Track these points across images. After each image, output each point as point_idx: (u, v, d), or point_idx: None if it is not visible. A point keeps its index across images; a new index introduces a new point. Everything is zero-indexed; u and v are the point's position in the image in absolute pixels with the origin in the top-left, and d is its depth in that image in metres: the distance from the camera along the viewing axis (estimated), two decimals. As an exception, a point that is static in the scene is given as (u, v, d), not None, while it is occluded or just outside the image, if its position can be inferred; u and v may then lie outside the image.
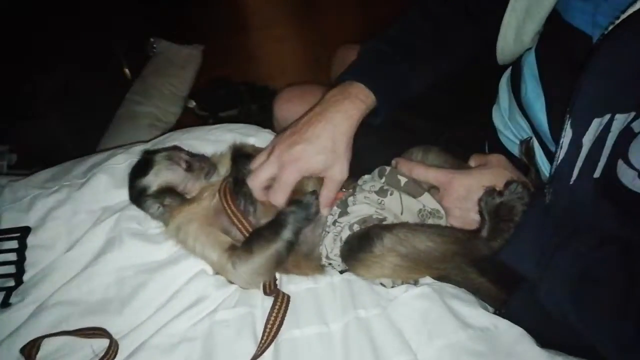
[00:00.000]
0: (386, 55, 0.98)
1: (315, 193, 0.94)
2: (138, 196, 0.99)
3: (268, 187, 0.93)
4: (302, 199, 0.93)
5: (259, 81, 2.66)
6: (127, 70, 2.50)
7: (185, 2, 3.33)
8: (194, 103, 2.52)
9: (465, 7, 1.01)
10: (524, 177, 0.89)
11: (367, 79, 0.93)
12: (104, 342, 0.84)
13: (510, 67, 0.99)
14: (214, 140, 1.16)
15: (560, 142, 0.71)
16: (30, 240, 1.00)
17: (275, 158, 0.90)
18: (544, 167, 0.90)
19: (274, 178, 0.91)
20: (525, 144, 0.92)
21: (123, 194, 1.04)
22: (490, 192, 0.86)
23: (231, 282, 0.93)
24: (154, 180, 0.96)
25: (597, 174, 0.70)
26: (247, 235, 0.92)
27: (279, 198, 0.92)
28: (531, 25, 0.87)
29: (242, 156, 1.04)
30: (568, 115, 0.69)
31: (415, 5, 1.06)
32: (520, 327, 0.85)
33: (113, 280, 0.93)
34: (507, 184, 0.85)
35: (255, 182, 0.93)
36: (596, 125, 0.66)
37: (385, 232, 0.85)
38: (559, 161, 0.73)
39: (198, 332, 0.86)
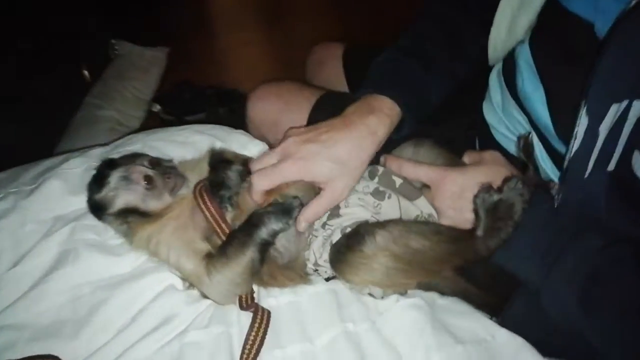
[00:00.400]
0: (404, 65, 0.92)
1: (299, 200, 0.85)
2: (97, 212, 0.89)
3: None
4: (283, 201, 0.84)
5: (227, 85, 2.57)
6: (86, 72, 2.36)
7: (148, 3, 3.20)
8: (158, 107, 2.40)
9: (464, 5, 0.97)
10: (521, 174, 0.84)
11: (389, 90, 0.87)
12: (57, 372, 0.73)
13: (502, 61, 0.95)
14: (182, 142, 1.06)
15: (575, 132, 0.66)
16: (-31, 255, 0.87)
17: (283, 148, 0.83)
18: (545, 164, 0.85)
19: None
20: (524, 140, 0.86)
21: (78, 202, 0.93)
22: (487, 188, 0.80)
23: (205, 297, 0.84)
24: (111, 200, 0.87)
25: (611, 167, 0.65)
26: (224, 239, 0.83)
27: (261, 182, 0.83)
28: (526, 16, 0.83)
29: (222, 161, 0.94)
30: (584, 101, 0.63)
31: (422, 12, 1.01)
32: (519, 335, 0.79)
33: (67, 299, 0.81)
34: (506, 180, 0.79)
35: (256, 165, 0.85)
36: (614, 111, 0.61)
37: (377, 230, 0.77)
38: (572, 153, 0.68)
39: (166, 356, 0.76)
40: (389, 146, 0.92)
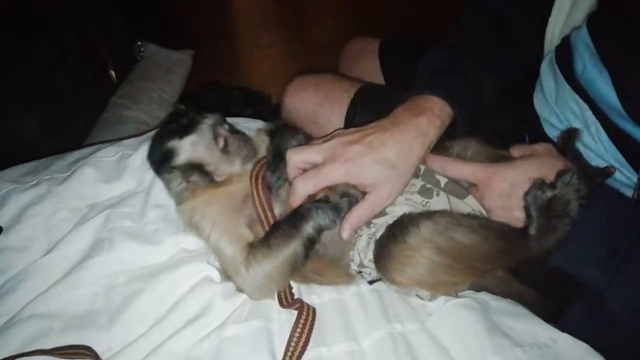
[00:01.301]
0: (455, 63, 0.88)
1: (349, 199, 0.80)
2: (161, 161, 0.85)
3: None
4: (331, 198, 0.80)
5: (251, 86, 2.55)
6: (112, 73, 2.36)
7: (173, 7, 3.23)
8: (183, 108, 2.38)
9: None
10: (577, 167, 0.78)
11: (441, 90, 0.82)
12: (89, 363, 0.69)
13: (554, 50, 0.90)
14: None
15: None
16: (2, 241, 0.84)
17: (328, 147, 0.78)
18: (606, 151, 0.79)
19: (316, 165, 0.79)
20: (568, 133, 0.81)
21: (113, 190, 0.91)
22: (540, 184, 0.74)
23: (239, 290, 0.80)
24: (186, 150, 0.83)
25: None
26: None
27: (305, 187, 0.78)
28: (587, 1, 0.78)
29: (285, 129, 0.91)
30: None
31: (470, 6, 0.97)
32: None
33: (101, 288, 0.78)
34: (559, 174, 0.73)
35: (295, 156, 0.80)
36: None
37: (422, 220, 0.72)
38: None
39: (204, 350, 0.72)
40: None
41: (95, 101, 2.32)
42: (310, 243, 0.79)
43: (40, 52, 2.00)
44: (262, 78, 2.68)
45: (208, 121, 0.87)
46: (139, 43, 2.64)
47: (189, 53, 2.70)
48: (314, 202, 0.79)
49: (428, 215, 0.75)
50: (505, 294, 0.85)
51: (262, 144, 0.90)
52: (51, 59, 2.03)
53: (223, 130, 0.87)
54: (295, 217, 0.78)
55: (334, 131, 0.84)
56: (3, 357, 0.69)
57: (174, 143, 0.84)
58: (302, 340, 0.70)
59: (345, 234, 0.79)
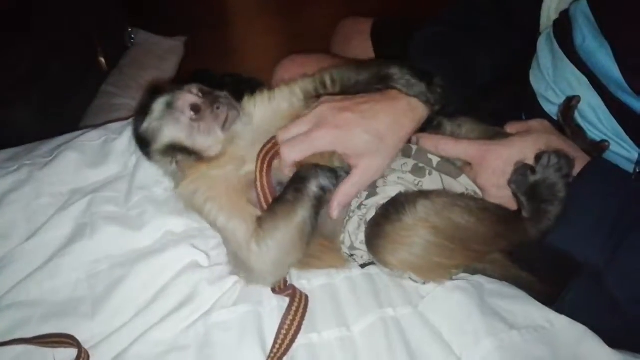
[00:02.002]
0: (450, 38, 0.85)
1: (345, 169, 0.77)
2: (144, 148, 0.80)
3: None
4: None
5: (244, 73, 2.51)
6: (102, 60, 2.32)
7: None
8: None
9: None
10: (568, 142, 0.76)
11: (434, 63, 0.79)
12: (71, 353, 0.67)
13: (551, 25, 0.87)
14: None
15: None
16: (-19, 228, 0.82)
17: (315, 115, 0.75)
18: (605, 124, 0.77)
19: None
20: (567, 101, 0.78)
21: (96, 174, 0.88)
22: (521, 169, 0.72)
23: (253, 270, 0.75)
24: (155, 132, 0.77)
25: None
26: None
27: (291, 153, 0.74)
28: None
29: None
30: None
31: None
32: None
33: (83, 275, 0.76)
34: (537, 157, 0.71)
35: (285, 134, 0.76)
36: None
37: (419, 199, 0.70)
38: None
39: (191, 338, 0.69)
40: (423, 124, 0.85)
41: (86, 89, 2.28)
42: (318, 203, 0.75)
43: (32, 40, 1.96)
44: (255, 65, 2.63)
45: (161, 97, 0.78)
46: (130, 30, 2.60)
47: (180, 40, 2.66)
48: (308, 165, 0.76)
49: (425, 194, 0.73)
50: (502, 277, 0.83)
51: (252, 105, 0.83)
52: (42, 47, 2.00)
53: (187, 97, 0.77)
54: (297, 181, 0.75)
55: (320, 98, 0.80)
56: (-19, 346, 0.67)
57: (142, 128, 0.78)
58: (294, 328, 0.68)
59: (335, 213, 0.76)
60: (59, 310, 0.72)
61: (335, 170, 0.76)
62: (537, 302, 0.75)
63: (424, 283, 0.78)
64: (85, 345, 0.68)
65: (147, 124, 0.77)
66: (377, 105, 0.75)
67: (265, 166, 0.76)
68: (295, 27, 2.95)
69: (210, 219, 0.77)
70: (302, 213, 0.74)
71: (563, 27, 0.82)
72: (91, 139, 0.94)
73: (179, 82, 2.50)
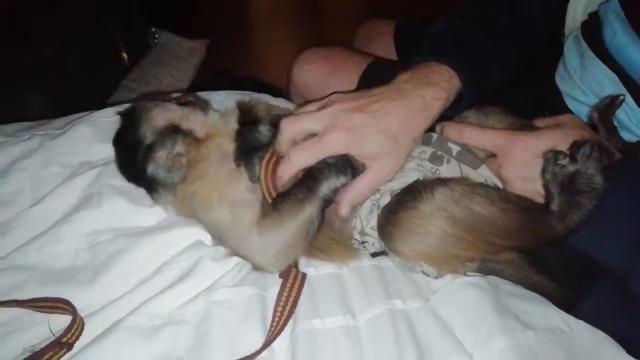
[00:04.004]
0: (466, 33, 0.82)
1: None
2: (133, 153, 0.78)
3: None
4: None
5: (264, 78, 2.53)
6: (124, 55, 2.35)
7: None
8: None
9: None
10: (603, 140, 0.73)
11: (450, 60, 0.76)
12: (65, 320, 0.64)
13: (579, 27, 0.85)
14: (218, 100, 0.99)
15: None
16: (-14, 193, 0.80)
17: (328, 115, 0.72)
18: (637, 122, 0.74)
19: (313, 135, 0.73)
20: (610, 99, 0.75)
21: (108, 149, 0.86)
22: (553, 158, 0.68)
23: (255, 263, 0.74)
24: (150, 126, 0.78)
25: None
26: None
27: (303, 158, 0.72)
28: None
29: (249, 122, 0.85)
30: None
31: None
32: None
33: (85, 244, 0.74)
34: (577, 146, 0.68)
35: (291, 127, 0.73)
36: None
37: (437, 186, 0.67)
38: None
39: (189, 313, 0.67)
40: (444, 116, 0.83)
41: (107, 83, 2.32)
42: (326, 204, 0.74)
43: (56, 32, 2.00)
44: (274, 71, 2.64)
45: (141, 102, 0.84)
46: (154, 29, 2.64)
47: (203, 43, 2.69)
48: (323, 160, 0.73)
49: (444, 181, 0.70)
50: (518, 280, 0.79)
51: (222, 119, 0.85)
52: (66, 40, 2.03)
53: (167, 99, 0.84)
54: (309, 179, 0.73)
55: (330, 94, 0.78)
56: (-26, 306, 0.65)
57: (133, 135, 0.79)
58: (290, 304, 0.65)
59: (344, 210, 0.74)
60: (57, 277, 0.70)
61: (349, 161, 0.73)
62: (554, 306, 0.72)
63: (437, 277, 0.74)
64: (82, 313, 0.66)
65: (141, 123, 0.80)
66: (390, 104, 0.72)
67: (268, 171, 0.75)
68: (315, 35, 2.98)
69: (210, 216, 0.76)
70: (310, 210, 0.73)
71: (592, 27, 0.80)
72: (106, 115, 0.93)
73: (198, 82, 2.53)
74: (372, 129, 0.70)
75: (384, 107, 0.71)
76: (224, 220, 0.75)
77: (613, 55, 0.76)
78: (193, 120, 0.80)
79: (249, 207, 0.75)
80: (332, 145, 0.71)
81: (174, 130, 0.77)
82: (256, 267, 0.75)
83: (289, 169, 0.74)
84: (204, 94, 1.04)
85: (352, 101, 0.73)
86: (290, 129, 0.74)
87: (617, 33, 0.74)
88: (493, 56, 0.83)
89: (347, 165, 0.73)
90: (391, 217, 0.69)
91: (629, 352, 0.64)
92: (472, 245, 0.69)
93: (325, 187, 0.72)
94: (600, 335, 0.66)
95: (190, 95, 0.86)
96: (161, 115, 0.78)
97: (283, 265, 0.72)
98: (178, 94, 0.87)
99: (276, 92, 2.50)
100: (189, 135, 0.78)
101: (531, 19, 0.88)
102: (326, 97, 0.77)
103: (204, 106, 0.84)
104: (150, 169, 0.77)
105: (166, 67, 2.48)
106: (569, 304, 0.73)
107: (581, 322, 0.68)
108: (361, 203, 0.77)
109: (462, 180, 0.70)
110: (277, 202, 0.74)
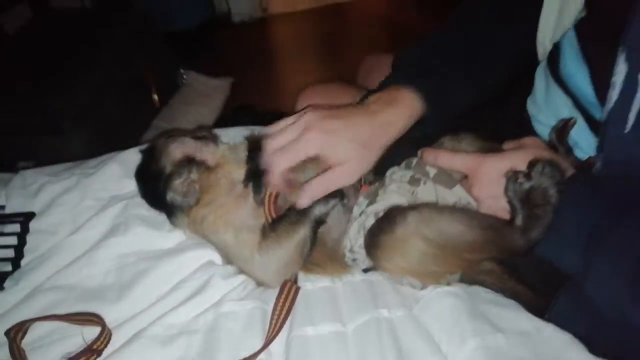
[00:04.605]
0: (435, 58, 0.90)
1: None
2: (155, 183, 0.89)
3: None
4: None
5: (285, 111, 2.66)
6: (155, 97, 2.54)
7: (216, 38, 3.45)
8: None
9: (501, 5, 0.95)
10: (558, 157, 0.80)
11: (414, 83, 0.84)
12: (97, 331, 0.76)
13: (547, 56, 0.93)
14: (234, 136, 1.11)
15: (612, 80, 0.63)
16: (34, 225, 0.94)
17: (304, 121, 0.79)
18: (591, 146, 0.81)
19: None
20: (564, 122, 0.82)
21: (134, 184, 0.99)
22: (514, 176, 0.75)
23: (257, 280, 0.85)
24: (166, 160, 0.89)
25: None
26: None
27: (282, 162, 0.79)
28: (574, 6, 0.82)
29: (258, 149, 0.96)
30: (621, 48, 0.61)
31: (458, 10, 0.99)
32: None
33: (114, 266, 0.86)
34: (531, 165, 0.75)
35: (274, 143, 0.82)
36: None
37: (408, 211, 0.76)
38: (611, 103, 0.64)
39: (200, 324, 0.77)
40: (427, 141, 0.91)
41: (139, 123, 2.49)
42: (318, 225, 0.84)
43: (92, 77, 2.19)
44: (294, 104, 2.79)
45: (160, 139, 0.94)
46: (182, 71, 2.84)
47: (228, 80, 2.88)
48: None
49: (415, 206, 0.79)
50: (499, 290, 0.86)
51: (231, 151, 0.95)
52: (101, 84, 2.22)
53: (184, 136, 0.94)
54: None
55: (305, 107, 0.85)
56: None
57: (153, 167, 0.90)
58: (283, 314, 0.74)
59: (304, 202, 0.82)
60: (90, 295, 0.82)
61: (341, 192, 0.83)
62: (528, 312, 0.78)
63: (422, 288, 0.83)
64: (110, 326, 0.77)
65: (161, 157, 0.90)
66: (359, 118, 0.80)
67: (272, 204, 0.85)
68: (335, 70, 3.10)
69: (218, 238, 0.87)
70: (303, 232, 0.82)
71: (553, 55, 0.88)
72: (131, 154, 1.07)
73: (224, 117, 2.67)
74: (346, 133, 0.77)
75: (354, 118, 0.80)
76: (229, 243, 0.85)
77: (565, 81, 0.83)
78: (205, 152, 0.90)
79: (251, 231, 0.85)
80: (308, 145, 0.77)
81: (189, 161, 0.88)
82: (259, 283, 0.85)
83: (274, 177, 0.80)
84: (219, 130, 1.18)
85: (326, 110, 0.81)
86: (274, 144, 0.81)
87: (567, 61, 0.82)
88: (460, 81, 0.89)
89: (337, 192, 0.83)
90: (374, 241, 0.78)
91: (592, 351, 0.70)
92: (446, 261, 0.77)
93: (317, 210, 0.82)
94: (565, 337, 0.72)
95: (204, 129, 0.98)
96: (178, 149, 0.90)
97: (280, 280, 0.82)
98: (192, 129, 0.98)
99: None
100: (201, 165, 0.89)
101: (503, 50, 0.95)
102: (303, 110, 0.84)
103: (215, 139, 0.95)
104: (170, 195, 0.87)
105: (193, 105, 2.66)
106: (543, 310, 0.80)
107: (550, 325, 0.74)
108: (352, 212, 0.87)
109: (431, 204, 0.79)
110: (275, 225, 0.84)
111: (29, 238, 0.93)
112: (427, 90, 0.84)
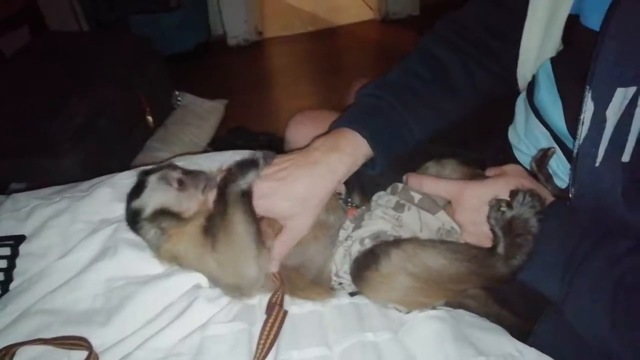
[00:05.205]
0: (383, 101, 0.93)
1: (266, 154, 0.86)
2: (133, 219, 0.91)
3: None
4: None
5: (278, 133, 2.69)
6: (150, 118, 2.55)
7: (211, 61, 3.49)
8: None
9: (476, 45, 0.97)
10: (540, 187, 0.82)
11: (360, 128, 0.87)
12: (83, 355, 0.76)
13: (527, 87, 0.96)
14: (221, 160, 1.13)
15: (581, 117, 0.65)
16: (24, 248, 0.95)
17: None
18: (568, 175, 0.83)
19: None
20: (543, 151, 0.85)
21: (124, 208, 1.00)
22: (496, 205, 0.77)
23: (232, 284, 0.85)
24: (147, 202, 0.89)
25: (625, 158, 0.63)
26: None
27: None
28: (552, 39, 0.84)
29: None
30: (588, 87, 0.63)
31: (416, 50, 1.01)
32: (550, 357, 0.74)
33: (102, 290, 0.86)
34: (513, 194, 0.77)
35: None
36: (621, 96, 0.60)
37: (392, 249, 0.77)
38: (581, 139, 0.67)
39: (186, 347, 0.78)
40: (411, 165, 0.93)
41: (134, 144, 2.50)
42: (245, 197, 0.81)
43: (88, 99, 2.21)
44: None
45: (154, 173, 0.93)
46: (177, 93, 2.86)
47: (222, 102, 2.90)
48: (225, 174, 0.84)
49: (397, 243, 0.79)
50: (484, 314, 0.87)
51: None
52: (96, 106, 2.24)
53: (175, 174, 0.92)
54: (219, 189, 0.83)
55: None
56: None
57: (135, 202, 0.90)
58: (270, 338, 0.74)
59: (274, 267, 0.85)
60: (77, 319, 0.82)
61: (254, 155, 0.84)
62: (511, 336, 0.80)
63: (408, 312, 0.84)
64: (97, 350, 0.77)
65: (142, 197, 0.89)
66: (298, 171, 0.83)
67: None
68: (329, 94, 3.15)
69: (186, 264, 0.88)
70: (235, 217, 0.81)
71: (531, 85, 0.91)
72: (124, 177, 1.08)
73: (217, 140, 2.69)
74: (280, 195, 0.82)
75: (292, 174, 0.83)
76: (194, 264, 0.87)
77: (541, 113, 0.86)
78: (185, 204, 0.89)
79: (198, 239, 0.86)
80: (257, 209, 0.82)
81: (164, 212, 0.88)
82: (239, 290, 0.85)
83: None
84: (214, 154, 1.20)
85: (272, 169, 0.85)
86: None
87: (543, 92, 0.84)
88: (408, 124, 0.92)
89: (250, 162, 0.84)
90: (360, 275, 0.79)
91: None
92: (431, 293, 0.79)
93: (234, 188, 0.81)
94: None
95: (200, 172, 0.95)
96: (160, 198, 0.89)
97: (254, 273, 0.82)
98: (191, 174, 0.95)
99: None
100: (176, 216, 0.88)
101: (456, 88, 0.96)
102: None
103: (206, 187, 0.91)
104: (142, 235, 0.90)
105: (188, 126, 2.67)
106: (527, 334, 0.81)
107: (532, 349, 0.75)
108: (338, 236, 0.88)
109: (414, 239, 0.80)
110: (209, 230, 0.84)
111: (19, 261, 0.93)
112: (372, 135, 0.87)
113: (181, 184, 0.90)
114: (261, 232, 0.84)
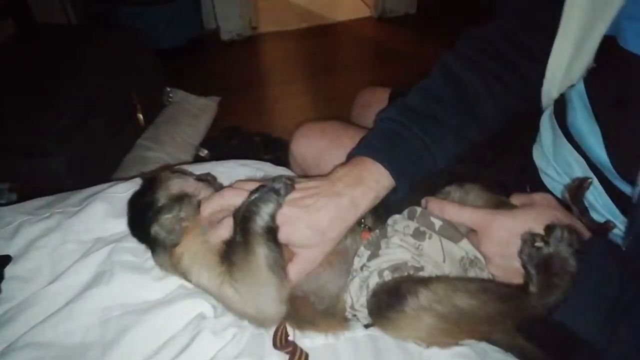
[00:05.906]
0: (405, 128, 0.88)
1: (285, 178, 0.80)
2: (145, 213, 0.84)
3: None
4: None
5: (273, 133, 2.63)
6: (140, 116, 2.46)
7: (204, 56, 3.40)
8: (205, 151, 2.46)
9: (500, 61, 0.92)
10: (575, 220, 0.77)
11: (382, 158, 0.84)
12: (77, 396, 0.69)
13: (552, 104, 0.90)
14: (224, 172, 1.06)
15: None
16: (10, 270, 0.87)
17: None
18: (605, 206, 0.78)
19: None
20: (579, 182, 0.79)
21: (121, 225, 0.93)
22: (530, 241, 0.71)
23: (248, 316, 0.79)
24: (164, 192, 0.85)
25: None
26: None
27: None
28: (584, 57, 0.79)
29: None
30: None
31: (438, 68, 0.96)
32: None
33: (96, 320, 0.79)
34: (549, 230, 0.71)
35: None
36: None
37: (420, 288, 0.71)
38: (638, 195, 0.61)
39: (190, 386, 0.71)
40: (429, 187, 0.88)
41: (123, 142, 2.42)
42: (271, 231, 0.75)
43: (76, 96, 2.12)
44: (283, 126, 2.75)
45: (167, 171, 0.92)
46: (168, 89, 2.77)
47: (215, 100, 2.82)
48: (249, 196, 0.77)
49: (425, 282, 0.73)
50: (507, 347, 0.82)
51: None
52: (85, 103, 2.15)
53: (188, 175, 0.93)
54: (241, 221, 0.76)
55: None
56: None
57: (148, 196, 0.86)
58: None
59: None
60: (69, 354, 0.75)
61: (275, 188, 0.77)
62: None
63: (428, 347, 0.78)
64: (91, 390, 0.71)
65: (157, 189, 0.86)
66: (321, 201, 0.78)
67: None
68: (324, 92, 3.09)
69: (193, 280, 0.82)
70: (262, 252, 0.74)
71: (561, 108, 0.85)
72: (119, 191, 1.00)
73: (210, 139, 2.62)
74: (303, 222, 0.76)
75: (316, 203, 0.78)
76: (203, 283, 0.80)
77: (576, 139, 0.81)
78: (203, 194, 0.87)
79: (211, 269, 0.79)
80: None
81: (183, 199, 0.84)
82: (258, 322, 0.79)
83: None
84: (214, 163, 1.13)
85: (292, 194, 0.79)
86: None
87: (578, 119, 0.79)
88: (430, 149, 0.87)
89: (272, 190, 0.76)
90: (382, 314, 0.74)
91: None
92: (458, 334, 0.73)
93: (260, 219, 0.75)
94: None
95: (209, 175, 0.96)
96: (177, 185, 0.87)
97: (277, 309, 0.76)
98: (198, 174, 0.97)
99: (284, 146, 2.60)
100: (194, 206, 0.84)
101: (480, 114, 0.92)
102: None
103: (217, 186, 0.92)
104: (154, 229, 0.82)
105: (180, 125, 2.58)
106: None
107: (559, 388, 0.70)
108: (353, 263, 0.82)
109: (443, 278, 0.74)
110: (228, 257, 0.77)
111: (4, 285, 0.85)
112: (396, 167, 0.83)
113: (198, 178, 0.90)
114: (285, 264, 0.77)
